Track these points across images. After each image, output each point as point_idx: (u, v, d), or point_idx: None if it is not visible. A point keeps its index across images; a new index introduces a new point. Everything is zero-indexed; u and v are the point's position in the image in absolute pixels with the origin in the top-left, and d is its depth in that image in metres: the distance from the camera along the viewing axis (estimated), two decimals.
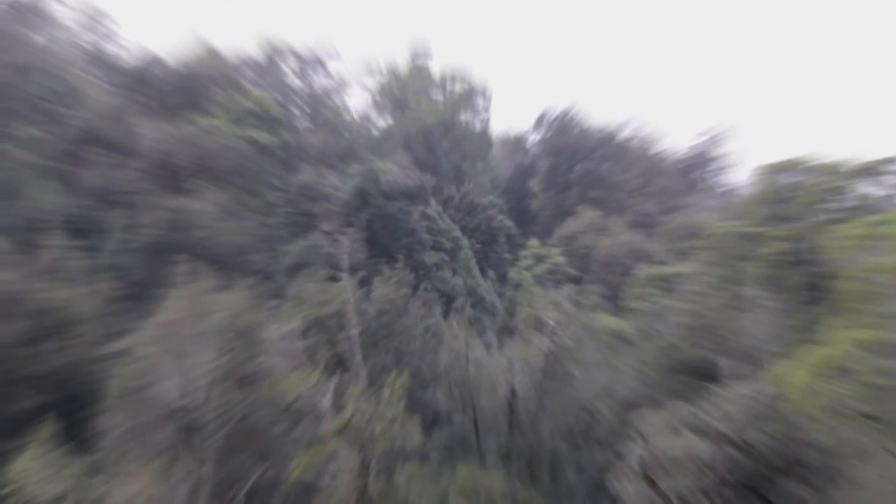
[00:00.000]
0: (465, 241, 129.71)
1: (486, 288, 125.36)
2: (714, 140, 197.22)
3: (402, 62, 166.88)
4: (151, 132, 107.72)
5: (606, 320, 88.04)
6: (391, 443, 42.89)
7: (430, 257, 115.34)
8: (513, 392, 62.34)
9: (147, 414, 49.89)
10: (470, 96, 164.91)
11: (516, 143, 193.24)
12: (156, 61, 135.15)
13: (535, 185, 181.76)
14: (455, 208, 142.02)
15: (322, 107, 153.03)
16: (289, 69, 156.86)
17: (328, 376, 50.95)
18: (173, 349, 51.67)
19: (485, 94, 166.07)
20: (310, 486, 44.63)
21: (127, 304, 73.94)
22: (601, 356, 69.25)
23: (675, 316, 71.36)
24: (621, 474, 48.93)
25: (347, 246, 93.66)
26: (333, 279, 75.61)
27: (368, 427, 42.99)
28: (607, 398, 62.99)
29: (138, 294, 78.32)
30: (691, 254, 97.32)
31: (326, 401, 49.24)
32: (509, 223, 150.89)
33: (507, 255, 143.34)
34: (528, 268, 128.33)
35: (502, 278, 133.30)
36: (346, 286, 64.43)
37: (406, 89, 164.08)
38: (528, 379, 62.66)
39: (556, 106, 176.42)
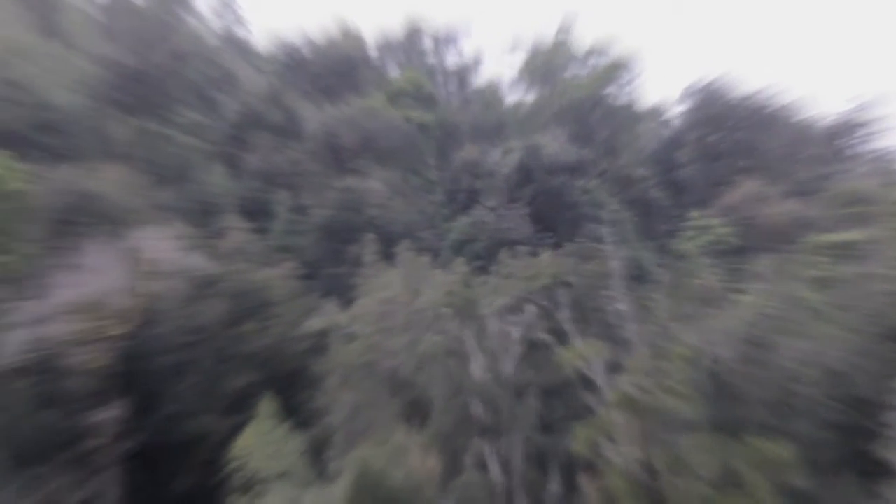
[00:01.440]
0: (624, 214, 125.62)
1: (649, 259, 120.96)
2: (863, 106, 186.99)
3: (547, 36, 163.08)
4: (313, 114, 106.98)
5: (787, 288, 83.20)
6: (671, 412, 39.84)
7: (593, 231, 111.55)
8: (716, 361, 58.33)
9: (373, 389, 47.88)
10: (616, 69, 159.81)
11: (663, 115, 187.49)
12: (305, 44, 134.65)
13: (683, 156, 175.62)
14: (611, 182, 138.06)
15: (469, 83, 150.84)
16: (431, 47, 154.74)
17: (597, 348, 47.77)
18: (393, 326, 49.50)
19: (631, 67, 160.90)
20: (589, 459, 41.88)
21: (307, 283, 72.82)
22: (801, 325, 64.51)
23: (872, 283, 66.25)
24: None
25: (514, 220, 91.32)
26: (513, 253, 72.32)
27: (648, 397, 40.01)
28: (814, 367, 58.50)
29: (313, 274, 77.58)
30: (864, 220, 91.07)
31: (600, 372, 46.29)
32: (662, 195, 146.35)
33: (663, 227, 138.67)
34: (691, 239, 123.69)
35: (660, 250, 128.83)
36: (551, 260, 61.22)
37: (551, 63, 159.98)
38: (728, 349, 58.63)
39: (703, 76, 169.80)
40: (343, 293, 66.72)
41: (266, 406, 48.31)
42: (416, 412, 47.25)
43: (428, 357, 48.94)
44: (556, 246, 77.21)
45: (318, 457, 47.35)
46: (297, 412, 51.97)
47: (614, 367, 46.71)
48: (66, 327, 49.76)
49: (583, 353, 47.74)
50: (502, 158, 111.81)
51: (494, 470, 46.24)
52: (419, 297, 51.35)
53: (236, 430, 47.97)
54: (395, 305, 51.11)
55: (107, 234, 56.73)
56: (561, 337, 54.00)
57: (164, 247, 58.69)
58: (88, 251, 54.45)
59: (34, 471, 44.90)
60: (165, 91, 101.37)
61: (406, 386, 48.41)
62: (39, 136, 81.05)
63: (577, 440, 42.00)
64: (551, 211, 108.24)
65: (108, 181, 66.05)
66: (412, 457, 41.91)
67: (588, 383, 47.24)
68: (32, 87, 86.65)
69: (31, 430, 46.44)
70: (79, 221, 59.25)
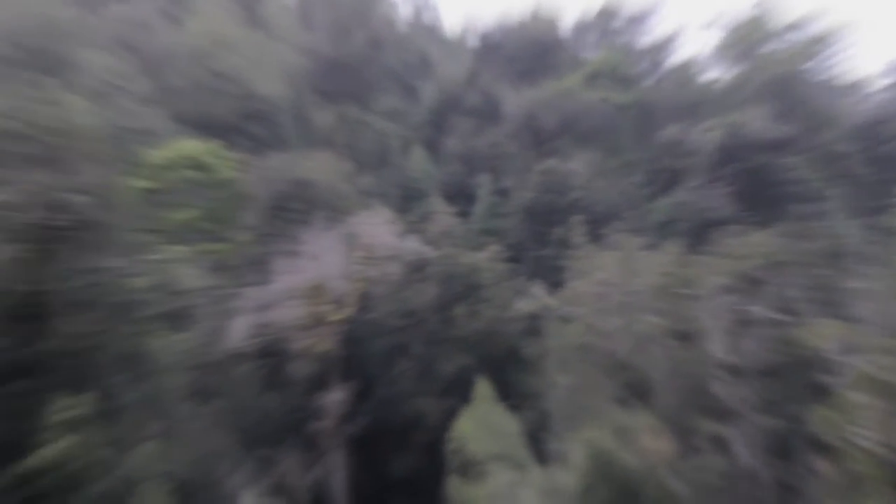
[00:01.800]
0: (830, 191, 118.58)
1: (859, 236, 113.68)
2: None
3: (744, 11, 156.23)
4: (510, 97, 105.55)
5: None
6: None
7: (799, 209, 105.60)
8: None
9: (591, 371, 45.93)
10: (818, 43, 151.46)
11: (867, 88, 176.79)
12: (498, 27, 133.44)
13: (890, 129, 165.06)
14: (816, 158, 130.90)
15: (663, 62, 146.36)
16: (624, 27, 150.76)
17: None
18: (609, 308, 47.32)
19: (833, 40, 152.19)
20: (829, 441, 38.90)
21: (512, 266, 71.44)
22: None
23: None
24: None
25: (717, 200, 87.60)
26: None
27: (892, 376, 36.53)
28: None
29: (517, 257, 76.22)
30: None
31: (838, 351, 42.99)
32: (869, 170, 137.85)
33: (871, 203, 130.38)
34: None
35: (869, 226, 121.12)
36: (764, 238, 57.42)
37: (750, 39, 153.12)
38: None
39: None
40: (549, 275, 65.41)
41: (482, 388, 48.63)
42: (635, 394, 45.08)
43: (647, 338, 46.49)
44: (762, 225, 73.32)
45: (534, 439, 46.77)
46: (510, 395, 51.82)
47: (851, 347, 43.32)
48: (289, 313, 50.07)
49: (820, 332, 44.45)
50: (703, 137, 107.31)
51: (729, 452, 43.54)
52: (635, 278, 48.82)
53: (451, 412, 48.60)
54: (611, 287, 48.78)
55: (323, 220, 56.80)
56: (788, 316, 50.61)
57: (380, 231, 58.49)
58: (307, 237, 54.63)
59: (264, 453, 45.11)
60: (363, 78, 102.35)
61: (624, 368, 46.19)
62: (246, 126, 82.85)
63: (817, 422, 39.98)
64: (755, 189, 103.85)
65: (320, 168, 66.28)
66: (642, 438, 39.81)
67: (824, 363, 44.00)
68: (239, 78, 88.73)
69: (257, 413, 46.79)
70: (292, 208, 59.55)
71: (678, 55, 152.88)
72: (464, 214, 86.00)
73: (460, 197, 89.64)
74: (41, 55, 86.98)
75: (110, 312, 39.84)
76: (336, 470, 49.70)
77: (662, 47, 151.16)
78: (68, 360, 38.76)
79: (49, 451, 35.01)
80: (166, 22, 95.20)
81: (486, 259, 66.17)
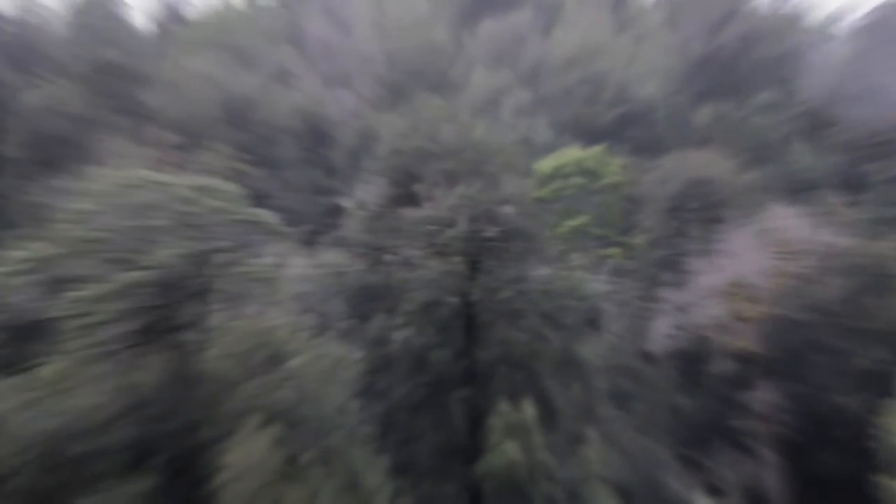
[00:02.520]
0: None
1: None
2: None
3: None
4: None
5: None
6: None
7: None
8: None
9: None
10: None
11: None
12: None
13: None
14: None
15: None
16: None
17: None
18: None
19: None
20: None
21: None
22: None
23: None
24: None
25: None
26: None
27: None
28: None
29: None
30: None
31: None
32: None
33: None
34: None
35: None
36: None
37: None
38: None
39: None
40: None
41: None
42: None
43: None
44: None
45: None
46: None
47: None
48: (707, 312, 48.97)
49: None
50: None
51: None
52: None
53: (870, 407, 45.41)
54: None
55: (733, 218, 55.18)
56: None
57: (796, 225, 55.86)
58: (718, 235, 53.29)
59: (689, 453, 44.35)
60: (736, 73, 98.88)
61: None
62: (622, 130, 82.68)
63: None
64: None
65: (711, 166, 64.52)
66: None
67: None
68: (612, 83, 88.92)
69: (678, 414, 46.05)
70: (691, 208, 58.36)
71: None
72: (854, 204, 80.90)
73: (848, 187, 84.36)
74: (426, 76, 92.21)
75: (540, 320, 40.71)
76: (768, 470, 47.89)
77: None
78: (505, 367, 40.14)
79: (495, 456, 36.29)
80: (538, 34, 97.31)
81: (890, 248, 61.38)
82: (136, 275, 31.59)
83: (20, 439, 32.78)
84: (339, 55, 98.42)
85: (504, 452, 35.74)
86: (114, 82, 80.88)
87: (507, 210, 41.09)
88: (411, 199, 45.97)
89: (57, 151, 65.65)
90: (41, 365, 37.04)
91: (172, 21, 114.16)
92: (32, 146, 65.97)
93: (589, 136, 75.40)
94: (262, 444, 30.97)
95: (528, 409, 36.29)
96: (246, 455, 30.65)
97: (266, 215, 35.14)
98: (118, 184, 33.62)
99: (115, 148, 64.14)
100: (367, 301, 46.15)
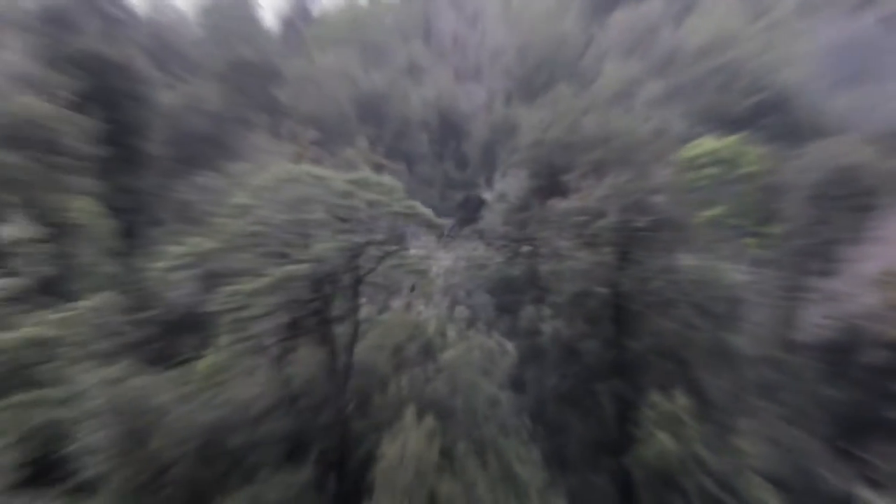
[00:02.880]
0: None
1: None
2: None
3: None
4: None
5: None
6: None
7: None
8: None
9: None
10: None
11: None
12: None
13: None
14: None
15: None
16: None
17: None
18: None
19: None
20: None
21: None
22: None
23: None
24: None
25: None
26: None
27: None
28: None
29: None
30: None
31: None
32: None
33: None
34: None
35: None
36: None
37: None
38: None
39: None
40: None
41: None
42: None
43: None
44: None
45: None
46: None
47: None
48: (861, 300, 47.59)
49: None
50: None
51: None
52: None
53: None
54: None
55: (882, 205, 53.43)
56: None
57: None
58: (872, 223, 51.74)
59: (844, 445, 43.24)
60: (875, 57, 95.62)
61: None
62: (756, 118, 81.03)
63: None
64: None
65: (858, 153, 62.63)
66: None
67: None
68: (746, 71, 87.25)
69: (828, 406, 44.91)
70: (839, 195, 56.78)
71: None
72: None
73: None
74: (557, 68, 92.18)
75: (690, 309, 40.42)
76: None
77: None
78: (656, 358, 40.01)
79: (647, 447, 36.23)
80: (671, 23, 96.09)
81: None
82: (292, 268, 32.55)
83: (180, 431, 34.22)
84: (469, 49, 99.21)
85: (657, 443, 35.62)
86: (249, 80, 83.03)
87: (658, 199, 40.93)
88: (556, 191, 46.22)
89: (199, 149, 67.63)
90: (196, 358, 38.67)
91: (300, 18, 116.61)
92: (175, 144, 67.87)
93: (724, 125, 74.07)
94: (418, 436, 31.39)
95: (681, 400, 36.07)
96: (401, 447, 31.12)
97: (421, 207, 35.60)
98: (276, 178, 34.67)
99: (256, 144, 66.16)
100: (512, 292, 46.59)
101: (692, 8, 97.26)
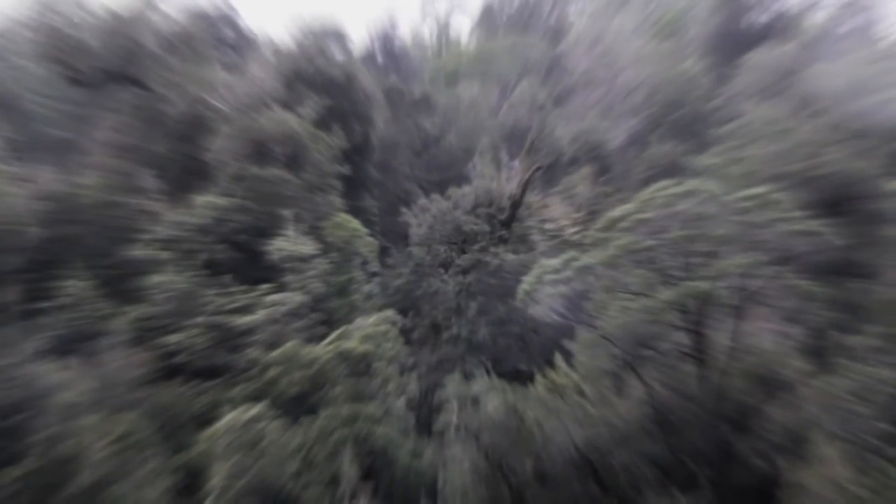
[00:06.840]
0: None
1: None
2: None
3: None
4: None
5: None
6: None
7: None
8: None
9: None
10: None
11: None
12: None
13: None
14: None
15: None
16: None
17: None
18: None
19: None
20: None
21: None
22: None
23: None
24: None
25: None
26: None
27: None
28: None
29: None
30: None
31: None
32: None
33: None
34: None
35: None
36: None
37: None
38: None
39: None
40: None
41: None
42: None
43: None
44: None
45: None
46: None
47: None
48: None
49: None
50: None
51: None
52: None
53: None
54: None
55: None
56: None
57: None
58: None
59: None
60: None
61: None
62: None
63: None
64: None
65: None
66: None
67: None
68: (882, 115, 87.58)
69: None
70: None
71: None
72: None
73: None
74: (685, 108, 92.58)
75: None
76: None
77: None
78: None
79: None
80: (811, 63, 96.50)
81: None
82: (685, 287, 32.59)
83: (556, 446, 34.11)
84: (601, 86, 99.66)
85: None
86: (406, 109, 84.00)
87: None
88: None
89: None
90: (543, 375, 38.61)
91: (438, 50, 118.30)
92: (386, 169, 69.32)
93: None
94: (843, 471, 29.19)
95: None
96: (822, 479, 29.43)
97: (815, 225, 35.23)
98: (667, 194, 34.83)
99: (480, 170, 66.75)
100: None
101: (825, 52, 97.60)
